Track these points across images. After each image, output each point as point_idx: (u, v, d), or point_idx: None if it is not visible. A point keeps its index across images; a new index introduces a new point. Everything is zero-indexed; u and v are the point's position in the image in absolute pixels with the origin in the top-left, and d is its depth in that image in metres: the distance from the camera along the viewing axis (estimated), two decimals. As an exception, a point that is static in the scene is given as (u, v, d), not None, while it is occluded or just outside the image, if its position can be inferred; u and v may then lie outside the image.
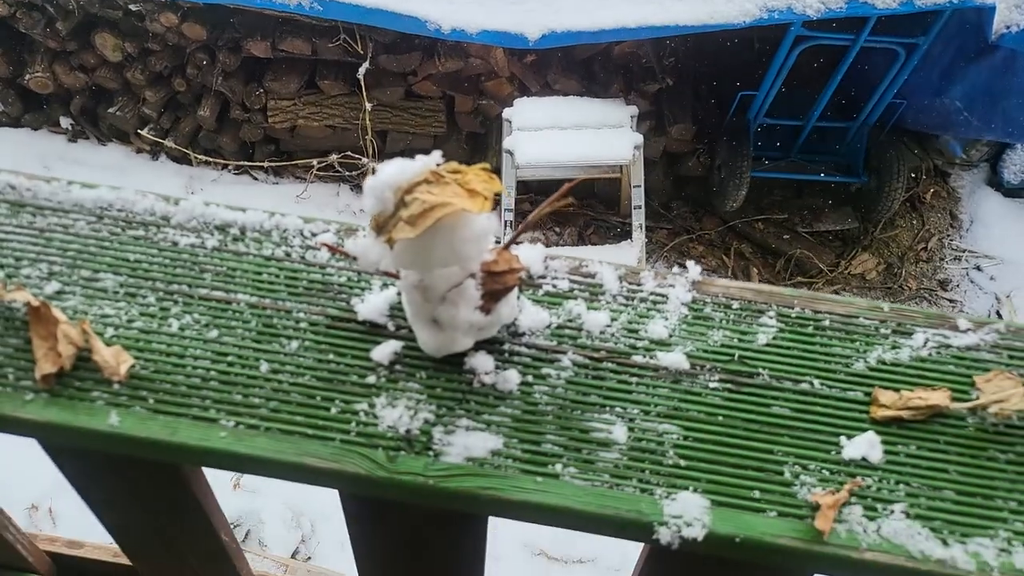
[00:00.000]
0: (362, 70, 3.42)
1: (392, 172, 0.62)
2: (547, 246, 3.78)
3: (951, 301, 3.68)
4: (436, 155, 0.63)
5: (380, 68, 3.53)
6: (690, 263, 0.77)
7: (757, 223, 3.92)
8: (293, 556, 2.42)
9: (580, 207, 3.98)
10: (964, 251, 3.85)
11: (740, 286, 0.76)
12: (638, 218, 3.29)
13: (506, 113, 3.33)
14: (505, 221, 3.33)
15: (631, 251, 3.29)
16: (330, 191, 3.83)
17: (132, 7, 3.34)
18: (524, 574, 2.55)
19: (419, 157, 0.63)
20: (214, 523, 0.91)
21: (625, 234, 3.62)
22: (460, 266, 0.65)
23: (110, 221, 0.76)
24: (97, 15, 3.43)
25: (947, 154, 4.06)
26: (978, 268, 3.78)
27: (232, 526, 2.44)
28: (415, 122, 3.78)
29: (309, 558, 2.45)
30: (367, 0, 3.11)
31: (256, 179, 3.86)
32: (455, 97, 3.70)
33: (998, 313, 3.61)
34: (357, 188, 3.89)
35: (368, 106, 3.52)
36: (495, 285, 0.67)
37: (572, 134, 3.23)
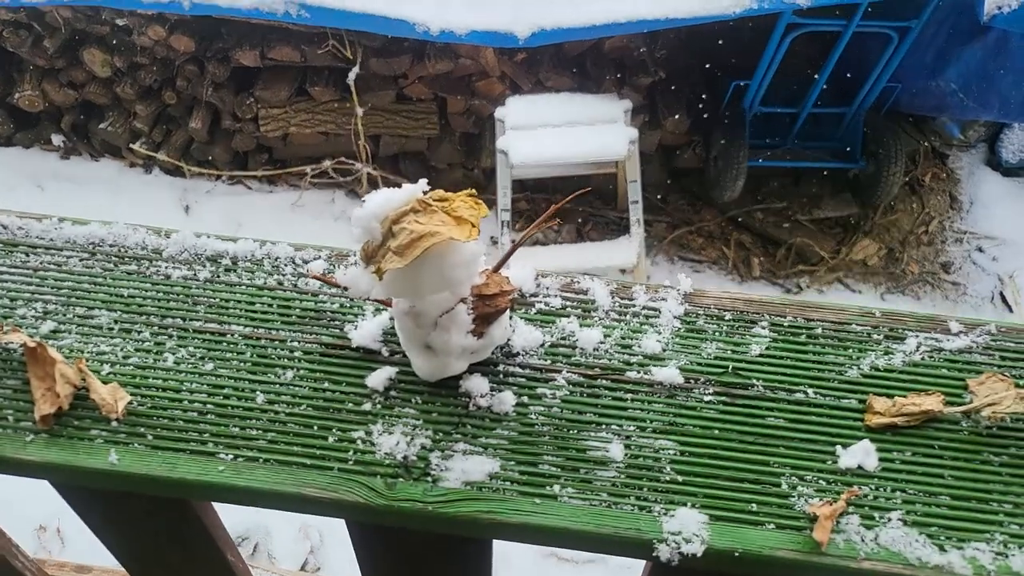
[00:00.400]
0: (352, 75, 3.42)
1: (379, 202, 0.62)
2: (546, 243, 3.79)
3: (954, 284, 3.67)
4: (422, 183, 0.63)
5: (370, 72, 3.53)
6: (682, 276, 0.77)
7: (756, 213, 3.92)
8: (303, 568, 2.43)
9: (577, 203, 3.98)
10: (965, 233, 3.84)
11: (732, 296, 0.76)
12: (636, 213, 3.29)
13: (498, 113, 3.32)
14: (502, 221, 3.33)
15: (630, 246, 3.28)
16: (325, 198, 3.83)
17: (119, 22, 3.34)
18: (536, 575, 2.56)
19: (406, 186, 0.63)
20: (220, 546, 0.92)
21: (624, 229, 3.61)
22: (451, 291, 0.66)
23: (103, 257, 0.77)
24: (84, 31, 3.43)
25: (944, 136, 4.05)
26: (980, 249, 3.78)
27: (239, 540, 2.46)
28: (408, 125, 3.77)
29: (319, 569, 2.46)
30: (354, 5, 3.10)
31: (250, 188, 3.86)
32: (447, 98, 3.70)
33: (1001, 294, 3.61)
34: (352, 193, 3.89)
35: (360, 111, 3.52)
36: (487, 308, 0.67)
37: (566, 131, 3.22)
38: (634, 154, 3.22)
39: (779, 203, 3.94)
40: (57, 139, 3.83)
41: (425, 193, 0.63)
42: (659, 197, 3.98)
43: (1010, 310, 3.56)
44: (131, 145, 3.73)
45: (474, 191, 0.65)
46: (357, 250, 0.65)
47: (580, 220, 3.93)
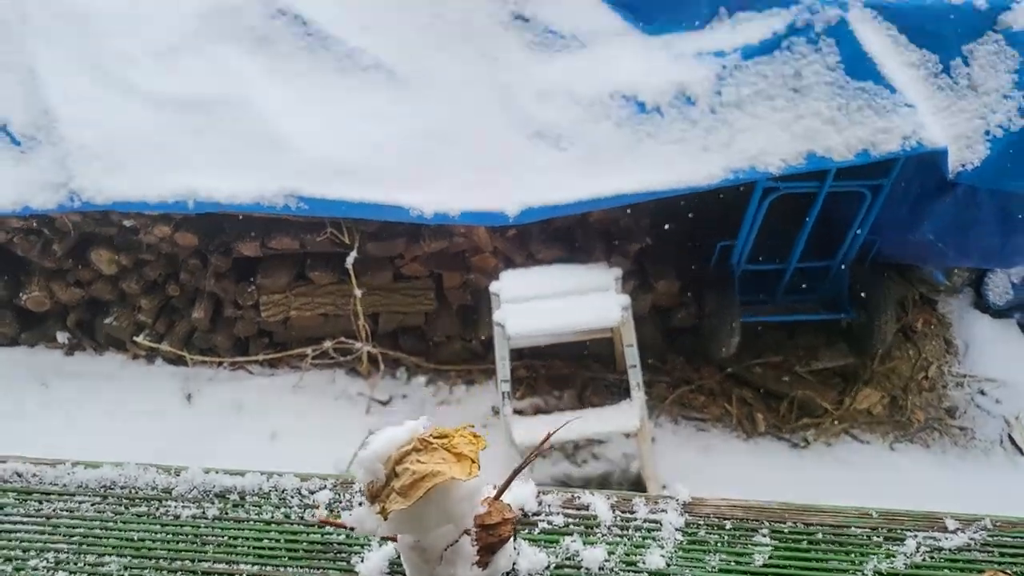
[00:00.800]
0: (350, 260, 3.53)
1: (382, 443, 0.65)
2: (547, 411, 3.78)
3: (961, 429, 3.66)
4: (423, 420, 0.66)
5: (367, 255, 3.65)
6: (679, 485, 0.79)
7: (755, 367, 3.95)
8: None
9: (576, 368, 4.02)
10: (965, 376, 3.86)
11: (731, 503, 0.78)
12: (635, 377, 3.31)
13: (493, 287, 3.41)
14: (502, 392, 3.34)
15: (632, 410, 3.29)
16: (326, 378, 3.87)
17: (126, 223, 3.48)
18: None
19: (407, 423, 0.66)
20: None
21: (624, 391, 3.62)
22: (454, 525, 0.67)
23: (114, 500, 0.79)
24: (93, 233, 3.57)
25: (930, 282, 4.14)
26: (982, 392, 3.79)
27: None
28: (405, 302, 3.86)
29: None
30: (351, 195, 3.24)
31: (252, 373, 3.90)
32: (443, 274, 3.80)
33: (1010, 436, 3.59)
34: (353, 372, 3.92)
35: (358, 293, 3.61)
36: (490, 538, 0.68)
37: (559, 301, 3.30)
38: (628, 320, 3.28)
39: (776, 357, 3.98)
40: (62, 336, 3.90)
41: (424, 430, 0.66)
42: (657, 357, 4.02)
43: (1021, 452, 3.53)
44: (135, 338, 3.80)
45: (472, 425, 0.67)
46: (363, 488, 0.67)
47: (580, 384, 3.95)
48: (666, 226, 3.86)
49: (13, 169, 3.29)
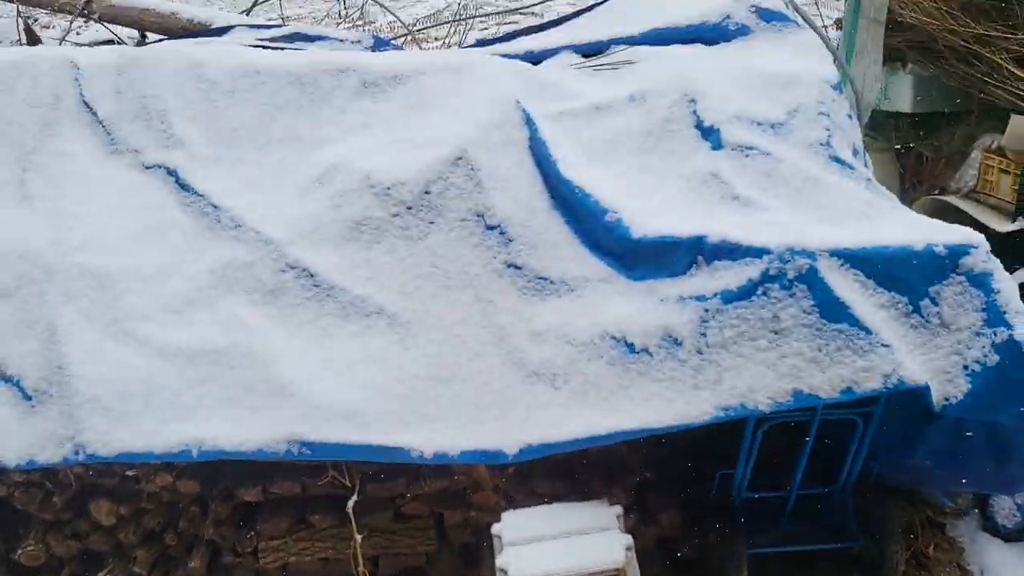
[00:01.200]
0: (351, 504, 3.53)
1: None
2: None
3: (993, 670, 3.49)
4: None
5: (368, 496, 3.65)
6: None
7: (767, 603, 3.82)
8: None
9: (584, 610, 3.88)
10: (986, 608, 3.74)
11: None
12: (644, 621, 3.22)
13: (495, 529, 3.39)
14: (508, 642, 3.23)
15: (642, 660, 3.17)
16: (325, 630, 3.74)
17: (128, 472, 3.51)
18: None
19: None
20: None
21: (637, 631, 3.50)
22: None
23: None
24: (94, 484, 3.58)
25: (936, 504, 4.10)
26: (1009, 627, 3.65)
27: None
28: (406, 543, 3.81)
29: None
30: (352, 438, 3.29)
31: (247, 630, 3.78)
32: (444, 513, 3.79)
33: None
34: (352, 623, 3.80)
35: (359, 538, 3.58)
36: None
37: (562, 543, 3.27)
38: (632, 560, 3.23)
39: (788, 590, 3.86)
40: (53, 597, 3.81)
41: None
42: (665, 593, 3.90)
43: None
44: (128, 593, 3.72)
45: None
46: None
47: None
48: (664, 457, 3.88)
49: (22, 423, 3.36)
